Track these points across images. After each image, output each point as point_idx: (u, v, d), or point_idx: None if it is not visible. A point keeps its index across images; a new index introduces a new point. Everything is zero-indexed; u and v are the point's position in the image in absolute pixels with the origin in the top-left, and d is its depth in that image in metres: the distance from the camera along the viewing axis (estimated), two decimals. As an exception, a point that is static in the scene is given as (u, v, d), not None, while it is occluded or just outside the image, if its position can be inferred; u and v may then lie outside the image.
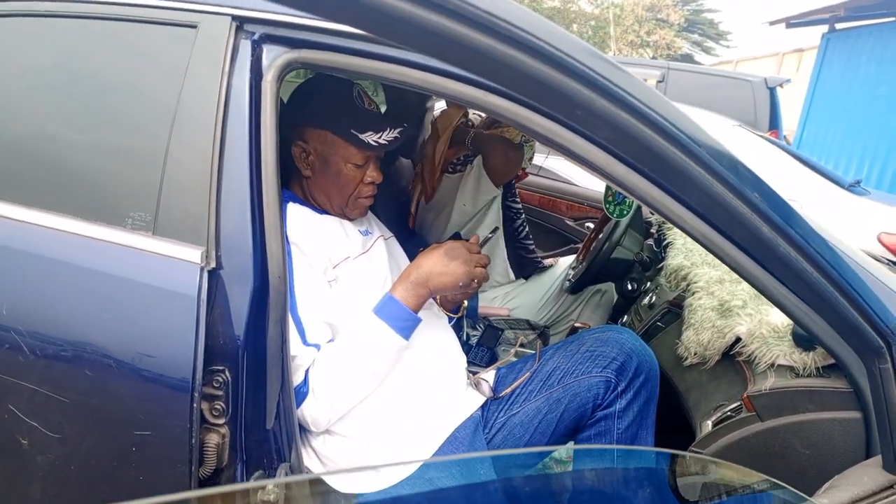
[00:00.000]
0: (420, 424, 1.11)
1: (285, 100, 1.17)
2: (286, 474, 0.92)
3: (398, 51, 0.85)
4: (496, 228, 1.90)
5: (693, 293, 1.37)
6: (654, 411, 1.22)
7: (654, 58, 15.63)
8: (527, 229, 2.14)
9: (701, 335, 1.24)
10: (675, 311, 1.52)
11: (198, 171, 0.87)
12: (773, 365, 1.05)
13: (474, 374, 1.26)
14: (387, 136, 1.11)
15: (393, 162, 2.03)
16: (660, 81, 6.18)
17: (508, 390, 1.21)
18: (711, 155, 0.70)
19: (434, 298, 1.20)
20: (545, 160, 2.91)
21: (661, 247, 1.78)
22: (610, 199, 1.83)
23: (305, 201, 1.17)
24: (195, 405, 0.83)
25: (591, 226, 2.64)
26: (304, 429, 1.05)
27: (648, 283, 1.84)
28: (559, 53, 0.55)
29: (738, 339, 1.16)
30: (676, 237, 1.67)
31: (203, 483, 0.86)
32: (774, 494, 0.74)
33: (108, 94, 0.93)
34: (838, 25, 7.69)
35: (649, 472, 0.78)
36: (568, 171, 3.19)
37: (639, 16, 16.68)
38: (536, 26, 0.53)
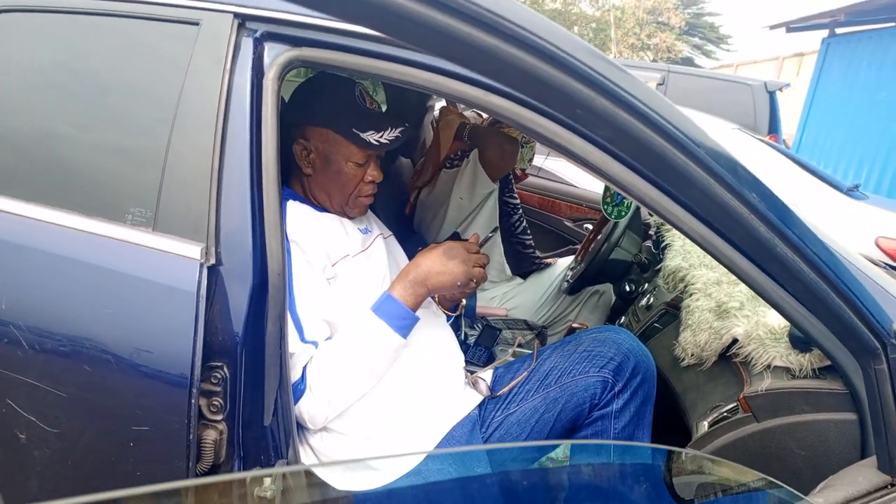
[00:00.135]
0: (417, 422, 1.11)
1: (286, 98, 1.17)
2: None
3: (400, 50, 0.85)
4: (496, 228, 1.90)
5: (691, 294, 1.37)
6: (651, 412, 1.23)
7: (654, 61, 15.66)
8: (524, 224, 2.13)
9: (698, 336, 1.24)
10: (672, 313, 1.53)
11: (198, 168, 0.88)
12: (769, 366, 1.06)
13: (472, 373, 1.27)
14: (388, 135, 1.12)
15: (393, 161, 2.03)
16: (660, 84, 6.19)
17: (506, 389, 1.21)
18: (710, 155, 0.70)
19: (432, 297, 1.21)
20: (545, 161, 2.92)
21: (660, 248, 1.78)
22: (608, 200, 1.83)
23: (305, 199, 1.17)
24: (193, 401, 0.84)
25: (590, 227, 2.65)
26: (301, 426, 1.05)
27: (646, 285, 1.84)
28: (561, 52, 0.55)
29: (735, 341, 1.16)
30: (675, 239, 1.67)
31: (200, 479, 0.86)
32: (770, 493, 0.75)
33: (110, 91, 0.94)
34: (839, 30, 7.71)
35: (645, 469, 0.79)
36: (567, 173, 3.20)
37: (640, 19, 16.69)
38: (539, 26, 0.53)
